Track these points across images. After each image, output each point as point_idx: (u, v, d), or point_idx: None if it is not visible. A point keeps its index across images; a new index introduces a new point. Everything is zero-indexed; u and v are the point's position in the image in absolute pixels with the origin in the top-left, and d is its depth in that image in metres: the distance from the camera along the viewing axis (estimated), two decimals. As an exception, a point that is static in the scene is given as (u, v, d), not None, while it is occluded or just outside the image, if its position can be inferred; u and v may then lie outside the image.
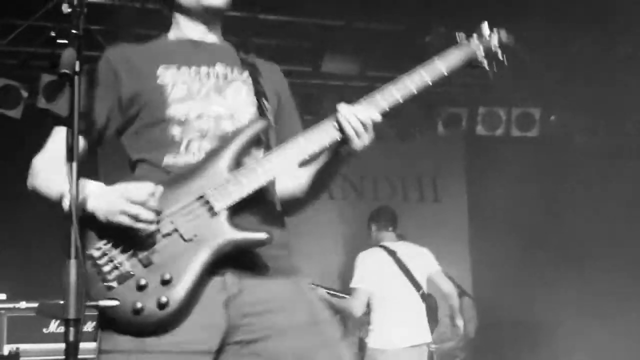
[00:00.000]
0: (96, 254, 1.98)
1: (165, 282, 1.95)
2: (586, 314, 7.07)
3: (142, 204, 1.93)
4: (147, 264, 1.97)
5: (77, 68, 1.55)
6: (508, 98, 7.63)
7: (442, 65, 2.22)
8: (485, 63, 2.30)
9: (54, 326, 5.66)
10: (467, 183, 8.75)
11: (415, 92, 2.18)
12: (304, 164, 2.22)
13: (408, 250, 5.95)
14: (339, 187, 8.13)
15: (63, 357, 1.76)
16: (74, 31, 1.59)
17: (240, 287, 2.08)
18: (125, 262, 1.97)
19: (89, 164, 2.05)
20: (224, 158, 2.07)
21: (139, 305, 1.94)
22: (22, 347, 5.62)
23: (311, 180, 2.30)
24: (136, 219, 1.93)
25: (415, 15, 6.71)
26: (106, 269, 1.97)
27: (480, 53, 2.29)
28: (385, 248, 5.95)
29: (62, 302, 1.75)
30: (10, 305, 5.69)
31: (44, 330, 5.67)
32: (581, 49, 7.15)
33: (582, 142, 7.68)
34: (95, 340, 2.07)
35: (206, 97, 2.17)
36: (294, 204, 2.35)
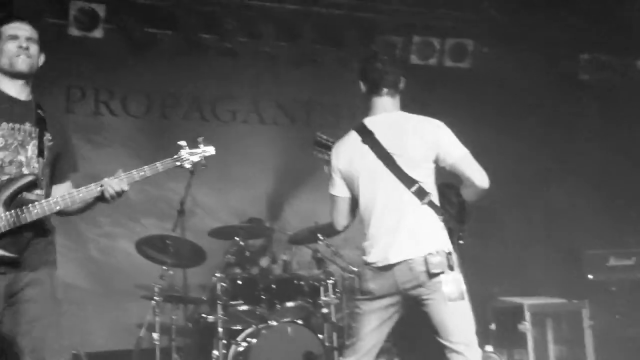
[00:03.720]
0: None
1: None
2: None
3: None
4: None
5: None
6: (443, 28, 7.60)
7: (170, 164, 3.50)
8: (189, 167, 3.55)
9: None
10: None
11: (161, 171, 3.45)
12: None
13: (397, 127, 3.81)
14: (270, 112, 8.03)
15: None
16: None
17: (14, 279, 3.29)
18: None
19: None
20: (1, 198, 3.21)
21: None
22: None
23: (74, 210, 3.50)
24: None
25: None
26: None
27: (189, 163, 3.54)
28: (362, 129, 3.86)
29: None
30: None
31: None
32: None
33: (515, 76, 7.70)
34: None
35: (15, 149, 3.29)
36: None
